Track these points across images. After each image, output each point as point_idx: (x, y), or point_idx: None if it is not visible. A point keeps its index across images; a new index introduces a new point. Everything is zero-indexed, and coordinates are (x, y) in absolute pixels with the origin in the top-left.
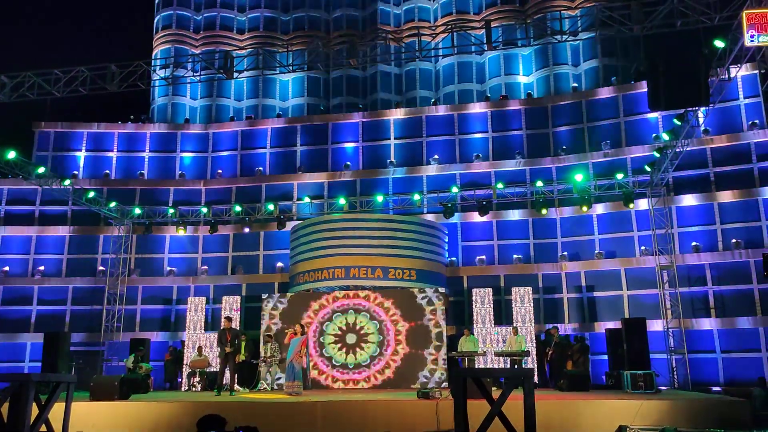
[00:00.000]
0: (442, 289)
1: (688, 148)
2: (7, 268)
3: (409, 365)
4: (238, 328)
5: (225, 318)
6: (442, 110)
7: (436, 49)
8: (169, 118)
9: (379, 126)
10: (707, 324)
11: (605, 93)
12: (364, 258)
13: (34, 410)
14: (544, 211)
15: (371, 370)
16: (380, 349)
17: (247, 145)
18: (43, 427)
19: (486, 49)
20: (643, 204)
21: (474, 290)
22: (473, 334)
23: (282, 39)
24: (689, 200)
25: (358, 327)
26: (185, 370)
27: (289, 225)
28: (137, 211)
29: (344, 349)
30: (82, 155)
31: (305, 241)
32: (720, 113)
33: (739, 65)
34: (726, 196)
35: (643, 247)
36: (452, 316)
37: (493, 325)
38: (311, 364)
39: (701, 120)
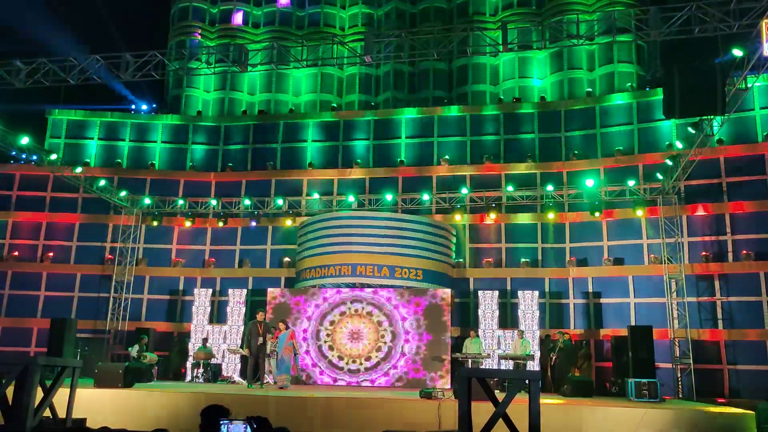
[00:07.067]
0: (448, 290)
1: (701, 157)
2: (16, 253)
3: (425, 366)
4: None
5: (259, 312)
6: (454, 111)
7: (451, 48)
8: (182, 110)
9: (391, 124)
10: (714, 335)
11: (619, 99)
12: (371, 256)
13: (39, 394)
14: (552, 216)
15: (379, 372)
16: (393, 349)
17: (259, 140)
18: (47, 412)
19: (501, 50)
20: (653, 212)
21: (480, 292)
22: (478, 337)
23: (297, 34)
24: (700, 209)
25: (370, 324)
26: (189, 361)
27: (298, 220)
28: (147, 201)
29: (349, 346)
30: (94, 143)
31: (313, 237)
32: (735, 123)
33: (756, 75)
34: (738, 207)
35: (652, 255)
36: (458, 317)
37: (498, 328)
38: (309, 363)
39: (716, 129)
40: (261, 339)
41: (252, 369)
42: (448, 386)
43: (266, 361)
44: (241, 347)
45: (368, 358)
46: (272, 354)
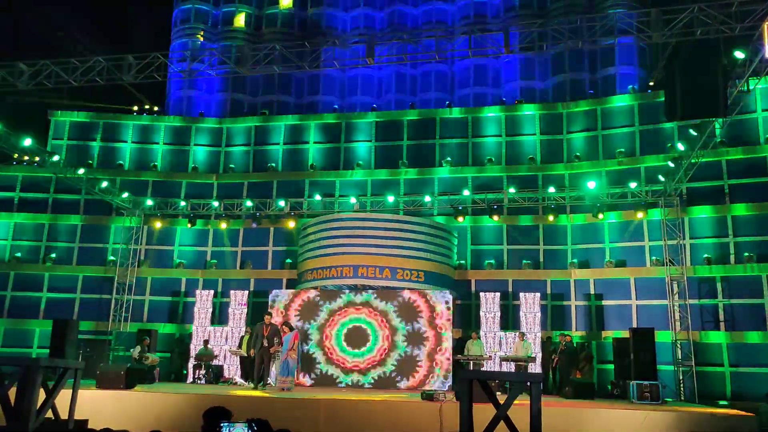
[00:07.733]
0: (449, 292)
1: (703, 159)
2: (19, 255)
3: (410, 366)
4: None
5: (266, 314)
6: (456, 112)
7: (453, 51)
8: (184, 111)
9: (393, 126)
10: (716, 337)
11: (621, 101)
12: (372, 258)
13: (41, 396)
14: (551, 218)
15: (374, 369)
16: (382, 348)
17: (261, 141)
18: (49, 413)
19: (503, 52)
20: (655, 214)
21: (482, 294)
22: (480, 338)
23: (299, 36)
24: (702, 211)
25: (361, 325)
26: (191, 363)
27: (300, 222)
28: (149, 202)
29: (349, 344)
30: (96, 145)
31: (315, 238)
32: (737, 125)
33: (758, 77)
34: (740, 209)
35: (653, 258)
36: (459, 319)
37: (499, 330)
38: (324, 357)
39: (717, 131)
40: (266, 341)
41: (257, 370)
42: (448, 388)
43: (271, 363)
44: (239, 347)
45: (368, 360)
46: (275, 356)
